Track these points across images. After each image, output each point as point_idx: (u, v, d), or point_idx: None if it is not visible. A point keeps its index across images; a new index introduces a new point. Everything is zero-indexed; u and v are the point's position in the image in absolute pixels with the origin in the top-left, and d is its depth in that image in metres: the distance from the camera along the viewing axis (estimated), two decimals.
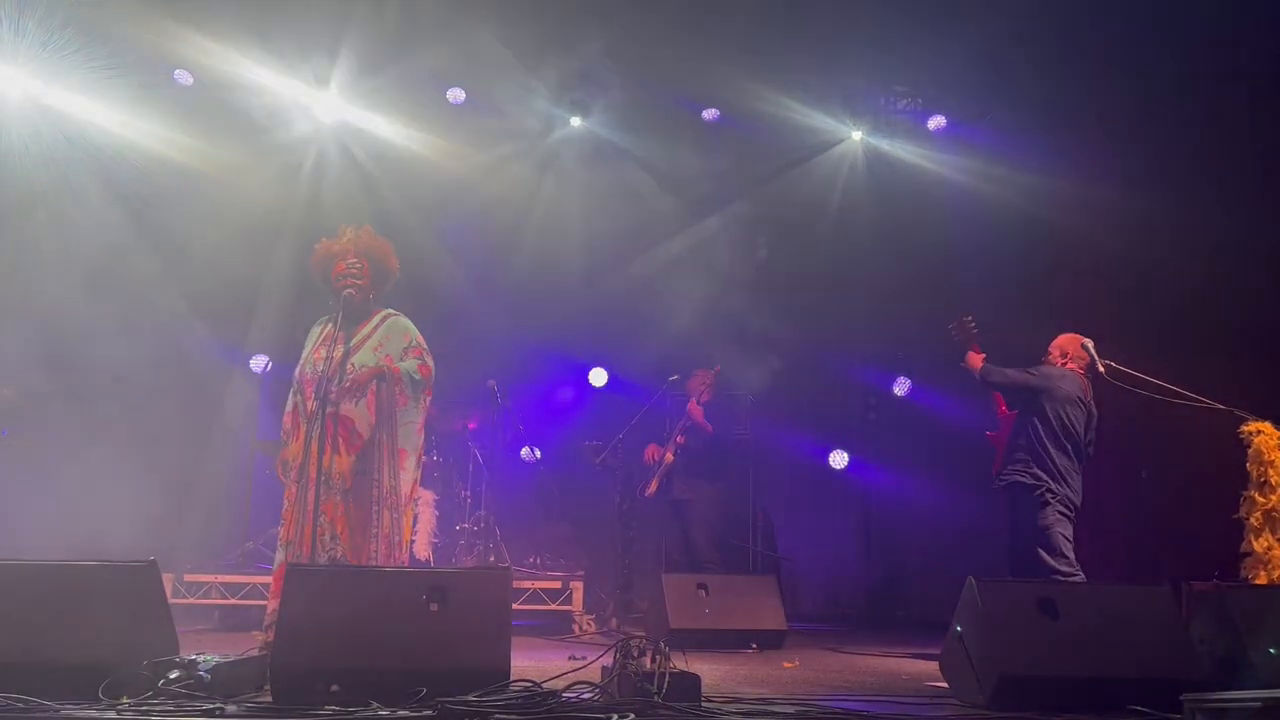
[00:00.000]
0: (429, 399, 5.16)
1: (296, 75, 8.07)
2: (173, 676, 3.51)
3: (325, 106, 8.33)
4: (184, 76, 8.00)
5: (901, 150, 8.71)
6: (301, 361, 5.04)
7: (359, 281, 5.05)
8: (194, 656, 3.66)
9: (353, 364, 4.93)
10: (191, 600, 6.96)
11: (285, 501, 4.91)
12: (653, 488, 7.64)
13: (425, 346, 5.15)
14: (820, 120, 8.55)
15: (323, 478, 4.74)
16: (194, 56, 7.78)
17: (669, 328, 8.69)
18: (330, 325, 5.02)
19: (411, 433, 5.03)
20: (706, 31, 7.77)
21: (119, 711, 3.29)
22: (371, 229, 5.22)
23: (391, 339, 5.08)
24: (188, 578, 7.05)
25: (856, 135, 8.72)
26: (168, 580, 6.12)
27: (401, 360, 5.04)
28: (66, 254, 7.72)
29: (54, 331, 7.50)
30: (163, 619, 3.91)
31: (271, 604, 4.81)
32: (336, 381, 4.86)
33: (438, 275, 8.49)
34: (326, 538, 4.75)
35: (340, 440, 4.84)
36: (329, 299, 5.17)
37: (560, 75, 8.30)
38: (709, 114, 8.63)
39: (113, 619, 3.71)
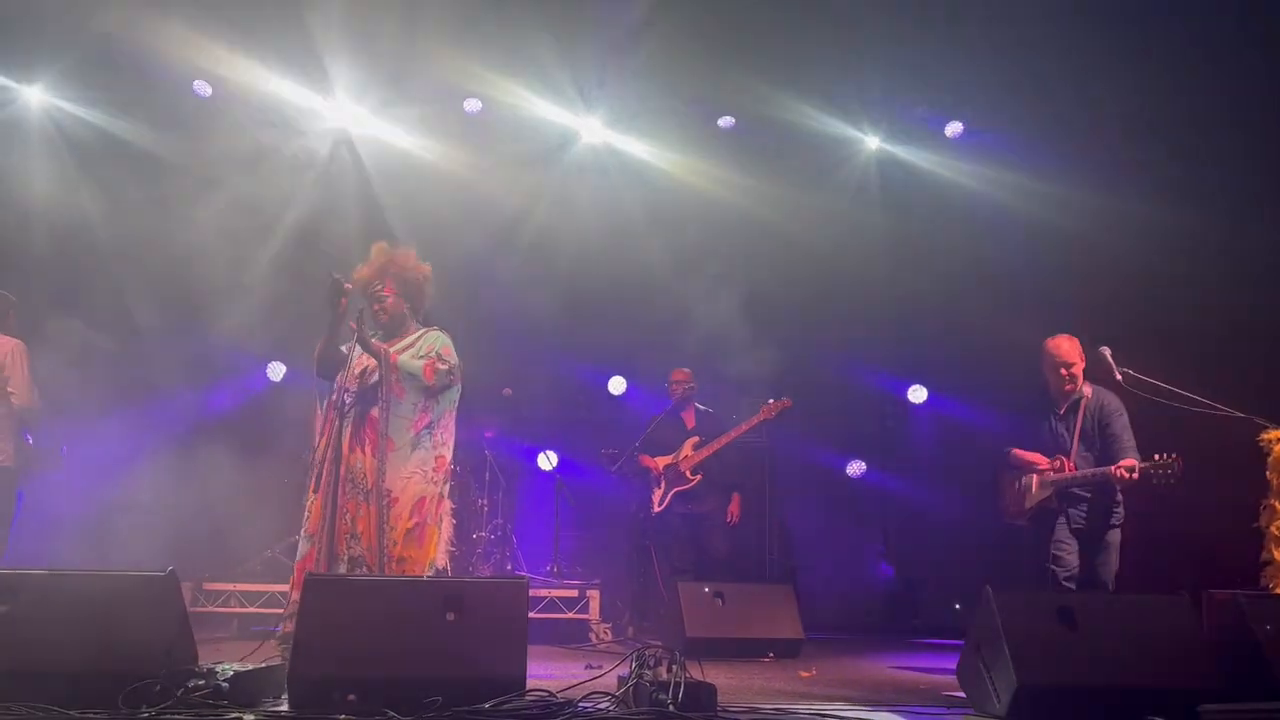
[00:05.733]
0: (440, 406, 5.15)
1: (313, 84, 8.11)
2: (192, 685, 3.54)
3: (341, 116, 8.38)
4: (203, 87, 8.07)
5: (918, 157, 8.70)
6: (348, 363, 5.13)
7: (384, 309, 5.22)
8: (213, 665, 3.69)
9: None
10: (211, 609, 7.01)
11: (309, 494, 4.97)
12: (666, 502, 7.46)
13: (445, 358, 5.17)
14: (836, 127, 8.55)
15: (348, 475, 4.82)
16: (211, 67, 7.85)
17: (685, 335, 8.70)
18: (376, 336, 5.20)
19: (403, 427, 5.02)
20: (722, 38, 7.78)
21: None
22: (407, 253, 5.30)
23: (419, 353, 5.16)
24: (207, 586, 7.10)
25: (873, 141, 8.71)
26: (187, 589, 6.19)
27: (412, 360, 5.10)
28: (76, 263, 7.78)
29: (63, 338, 7.57)
30: (182, 628, 3.93)
31: (294, 594, 4.85)
32: (369, 382, 4.95)
33: (453, 283, 8.50)
34: (348, 536, 4.82)
35: (367, 441, 4.92)
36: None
37: (577, 84, 8.33)
38: (724, 122, 8.64)
39: (132, 628, 3.73)
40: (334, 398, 5.08)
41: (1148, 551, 6.39)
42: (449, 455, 5.21)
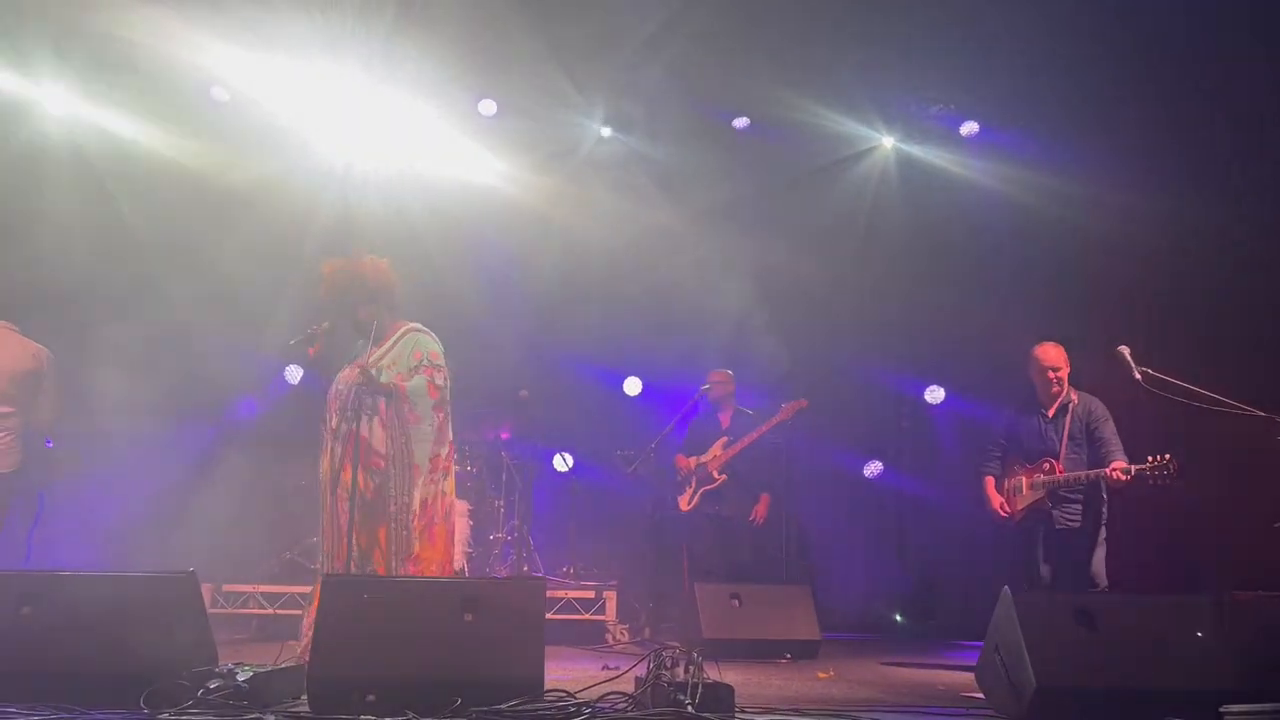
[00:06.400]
0: (443, 415, 5.15)
1: (327, 88, 8.13)
2: (212, 686, 3.57)
3: (353, 119, 8.39)
4: (220, 93, 8.11)
5: (934, 156, 8.67)
6: (334, 380, 5.14)
7: (358, 324, 5.19)
8: (233, 666, 3.72)
9: None
10: (230, 610, 7.05)
11: (321, 514, 5.01)
12: (694, 502, 7.50)
13: (437, 363, 5.13)
14: (852, 127, 8.52)
15: (348, 495, 4.83)
16: (228, 73, 7.88)
17: (701, 336, 8.69)
18: (361, 348, 5.19)
19: (426, 450, 5.05)
20: (737, 38, 7.77)
21: None
22: (360, 262, 5.24)
23: (403, 356, 5.10)
24: (226, 588, 7.14)
25: (888, 141, 8.68)
26: (206, 590, 6.23)
27: (410, 379, 5.06)
28: (103, 270, 7.82)
29: (91, 344, 7.62)
30: (202, 629, 3.98)
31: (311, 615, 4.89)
32: (351, 400, 4.94)
33: (470, 286, 8.54)
34: (357, 555, 4.82)
35: (360, 458, 4.91)
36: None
37: (590, 85, 8.33)
38: (739, 122, 8.63)
39: (153, 629, 3.78)
40: (325, 416, 5.10)
41: (1168, 552, 6.35)
42: (444, 451, 5.19)
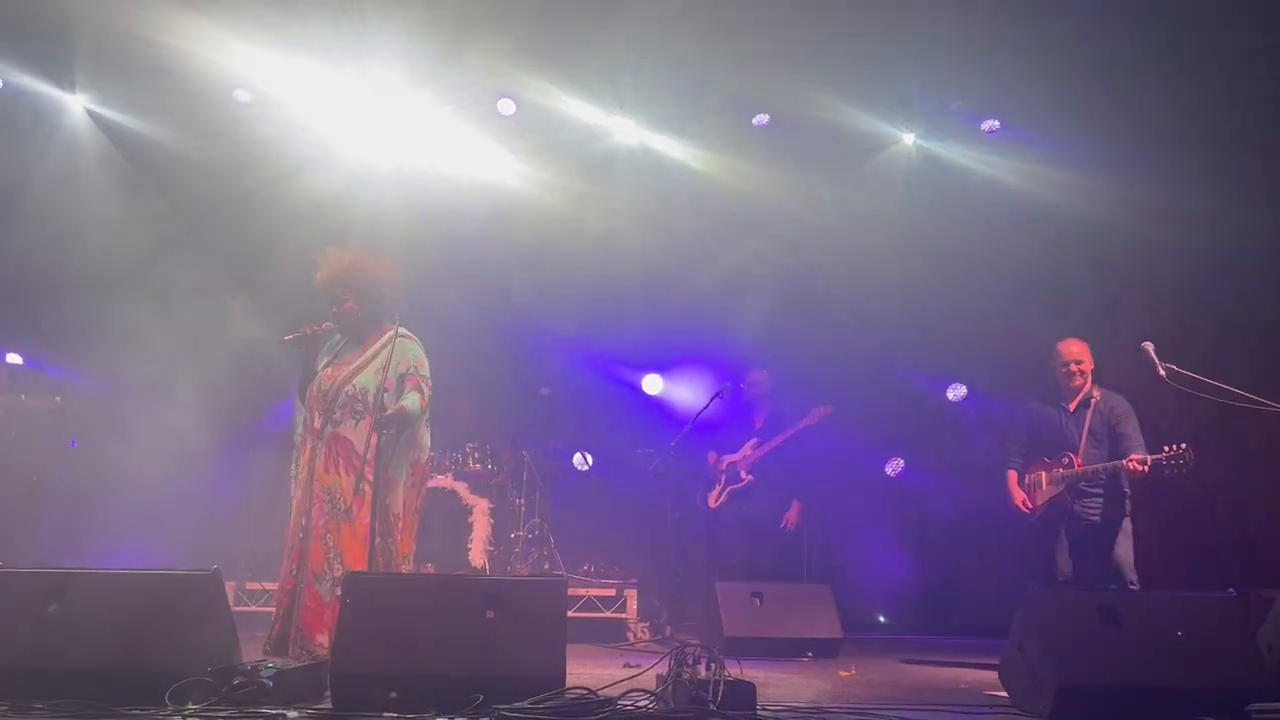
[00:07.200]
0: (424, 423, 5.13)
1: (353, 87, 8.15)
2: (236, 683, 3.59)
3: (382, 119, 8.40)
4: (243, 94, 8.14)
5: (954, 153, 8.62)
6: (315, 378, 5.07)
7: (343, 314, 5.11)
8: (257, 663, 3.74)
9: (354, 385, 4.96)
10: (253, 608, 7.10)
11: (290, 514, 5.01)
12: (722, 499, 7.53)
13: (423, 373, 5.07)
14: (872, 123, 8.49)
15: (324, 496, 4.82)
16: (251, 73, 7.91)
17: (723, 335, 8.69)
18: (340, 345, 5.17)
19: (408, 458, 5.03)
20: (758, 35, 7.75)
21: (184, 717, 3.39)
22: (364, 257, 5.19)
23: (393, 364, 5.00)
24: (249, 586, 7.19)
25: (909, 138, 8.64)
26: (230, 589, 6.26)
27: (403, 395, 4.98)
28: (131, 269, 7.87)
29: (119, 342, 7.68)
30: (226, 627, 4.01)
31: (279, 625, 4.87)
32: (338, 401, 4.93)
33: (489, 287, 8.55)
34: (331, 556, 4.80)
35: (340, 460, 4.88)
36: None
37: (610, 84, 8.33)
38: (759, 119, 8.61)
39: (177, 627, 3.81)
40: (306, 416, 5.06)
41: (1194, 549, 6.30)
42: (424, 457, 5.15)
